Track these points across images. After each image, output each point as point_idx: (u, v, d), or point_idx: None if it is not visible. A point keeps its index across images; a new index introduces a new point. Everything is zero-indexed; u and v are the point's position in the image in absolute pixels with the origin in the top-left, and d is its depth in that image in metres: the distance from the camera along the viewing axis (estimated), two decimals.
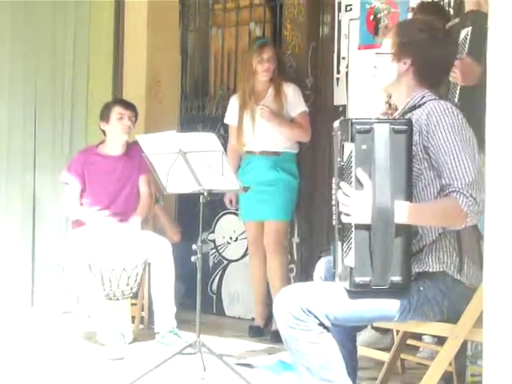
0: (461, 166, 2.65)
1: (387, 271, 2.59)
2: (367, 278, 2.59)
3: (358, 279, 2.59)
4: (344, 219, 2.64)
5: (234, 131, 5.28)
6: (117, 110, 5.12)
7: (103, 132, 5.20)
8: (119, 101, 5.35)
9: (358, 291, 2.62)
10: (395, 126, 2.61)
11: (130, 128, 5.10)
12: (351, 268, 2.61)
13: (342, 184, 2.64)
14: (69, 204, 5.11)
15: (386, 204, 2.57)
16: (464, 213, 2.61)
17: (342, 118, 2.76)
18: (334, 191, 2.80)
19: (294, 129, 5.16)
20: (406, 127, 2.62)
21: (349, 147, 2.63)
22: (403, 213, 2.58)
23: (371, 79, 3.04)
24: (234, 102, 5.33)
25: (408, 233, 2.63)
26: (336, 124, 2.79)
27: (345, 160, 2.65)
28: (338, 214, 2.72)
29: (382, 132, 2.60)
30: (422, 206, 2.72)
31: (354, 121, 2.63)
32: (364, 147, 2.59)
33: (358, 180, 2.60)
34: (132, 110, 5.16)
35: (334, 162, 2.82)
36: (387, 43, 2.90)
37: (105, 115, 5.16)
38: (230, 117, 5.34)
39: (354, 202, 2.60)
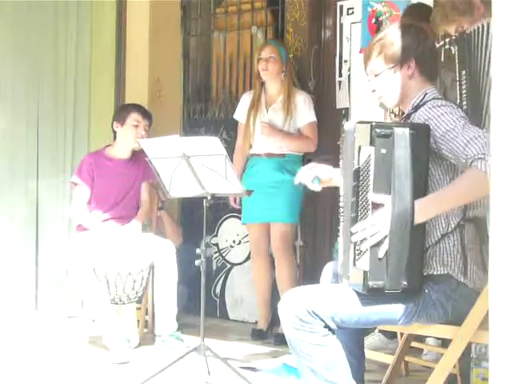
0: (470, 140, 2.60)
1: (401, 275, 2.58)
2: (381, 282, 2.58)
3: (371, 283, 2.59)
4: (373, 240, 2.61)
5: (242, 129, 5.25)
6: (134, 117, 5.09)
7: (114, 133, 5.18)
8: (138, 107, 5.19)
9: (365, 294, 2.62)
10: (414, 131, 2.61)
11: (144, 138, 4.97)
12: (365, 271, 2.60)
13: (358, 225, 2.61)
14: (79, 208, 5.06)
15: (405, 209, 2.55)
16: (488, 174, 2.58)
17: (359, 120, 2.72)
18: (341, 193, 2.79)
19: (296, 142, 5.12)
20: (424, 131, 2.63)
21: (367, 151, 2.61)
22: (424, 210, 2.58)
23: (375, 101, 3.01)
24: (245, 99, 5.30)
25: (422, 237, 2.63)
26: (349, 126, 2.73)
27: (361, 163, 2.63)
28: (348, 219, 2.68)
29: (402, 136, 2.59)
30: (441, 191, 2.69)
31: (373, 124, 2.61)
32: (384, 151, 2.58)
33: (373, 203, 2.59)
34: (148, 119, 5.13)
35: (342, 164, 2.80)
36: (378, 62, 2.86)
37: (120, 118, 5.12)
38: (240, 114, 5.30)
39: (379, 225, 2.58)
